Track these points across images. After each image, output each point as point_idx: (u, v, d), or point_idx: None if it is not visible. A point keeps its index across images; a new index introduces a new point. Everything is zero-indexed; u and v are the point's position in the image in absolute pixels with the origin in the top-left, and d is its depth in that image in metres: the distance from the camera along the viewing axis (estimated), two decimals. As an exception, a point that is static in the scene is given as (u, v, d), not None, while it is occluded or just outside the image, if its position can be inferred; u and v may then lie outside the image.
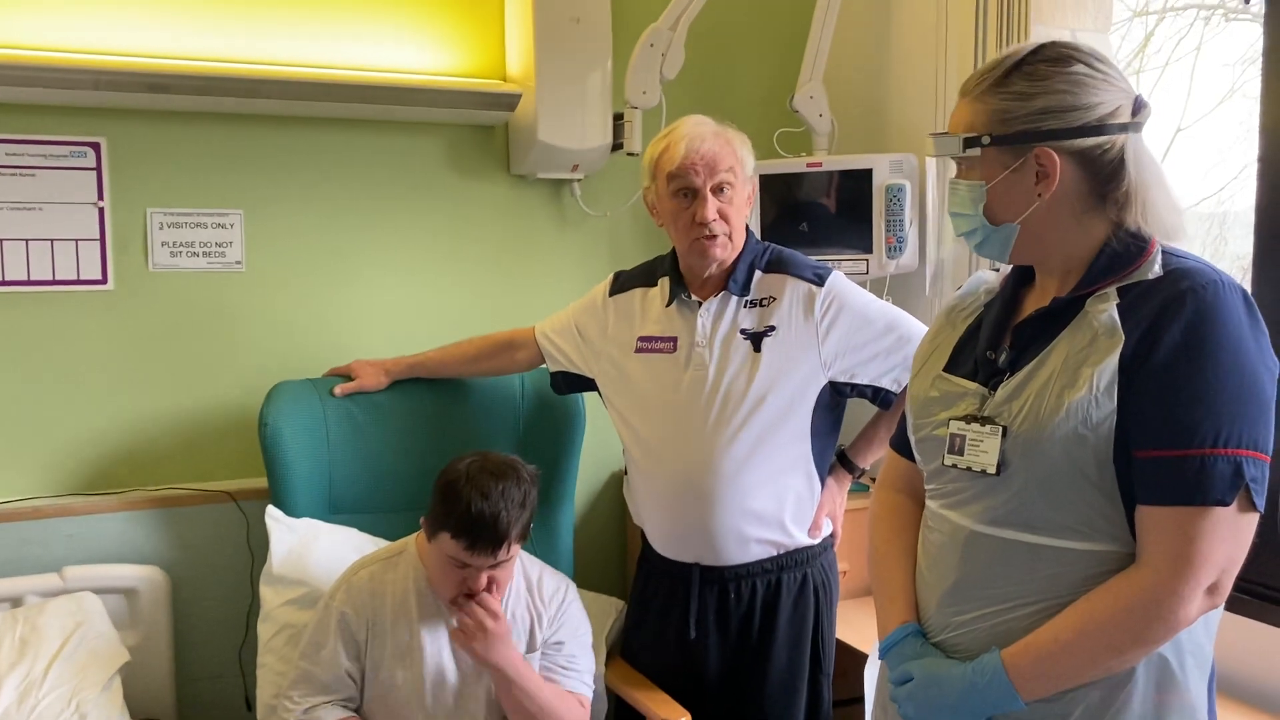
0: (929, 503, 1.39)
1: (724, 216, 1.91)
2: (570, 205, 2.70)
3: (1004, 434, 1.25)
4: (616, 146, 2.60)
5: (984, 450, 1.27)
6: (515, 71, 2.55)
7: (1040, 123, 1.24)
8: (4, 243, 2.20)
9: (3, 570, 2.16)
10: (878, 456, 2.01)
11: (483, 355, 2.27)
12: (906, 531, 1.45)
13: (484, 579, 1.80)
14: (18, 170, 2.21)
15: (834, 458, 2.05)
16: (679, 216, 1.93)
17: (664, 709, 1.98)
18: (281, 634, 2.07)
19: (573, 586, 2.05)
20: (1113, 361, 1.19)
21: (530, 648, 1.93)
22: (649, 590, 2.09)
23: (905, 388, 1.50)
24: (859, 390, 1.96)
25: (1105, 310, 1.22)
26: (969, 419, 1.30)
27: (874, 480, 1.72)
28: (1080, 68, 1.24)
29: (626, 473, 2.13)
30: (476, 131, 2.60)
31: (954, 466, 1.30)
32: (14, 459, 2.26)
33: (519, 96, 2.48)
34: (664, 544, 2.03)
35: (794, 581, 1.98)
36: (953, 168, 1.39)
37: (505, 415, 2.36)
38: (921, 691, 1.30)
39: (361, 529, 2.20)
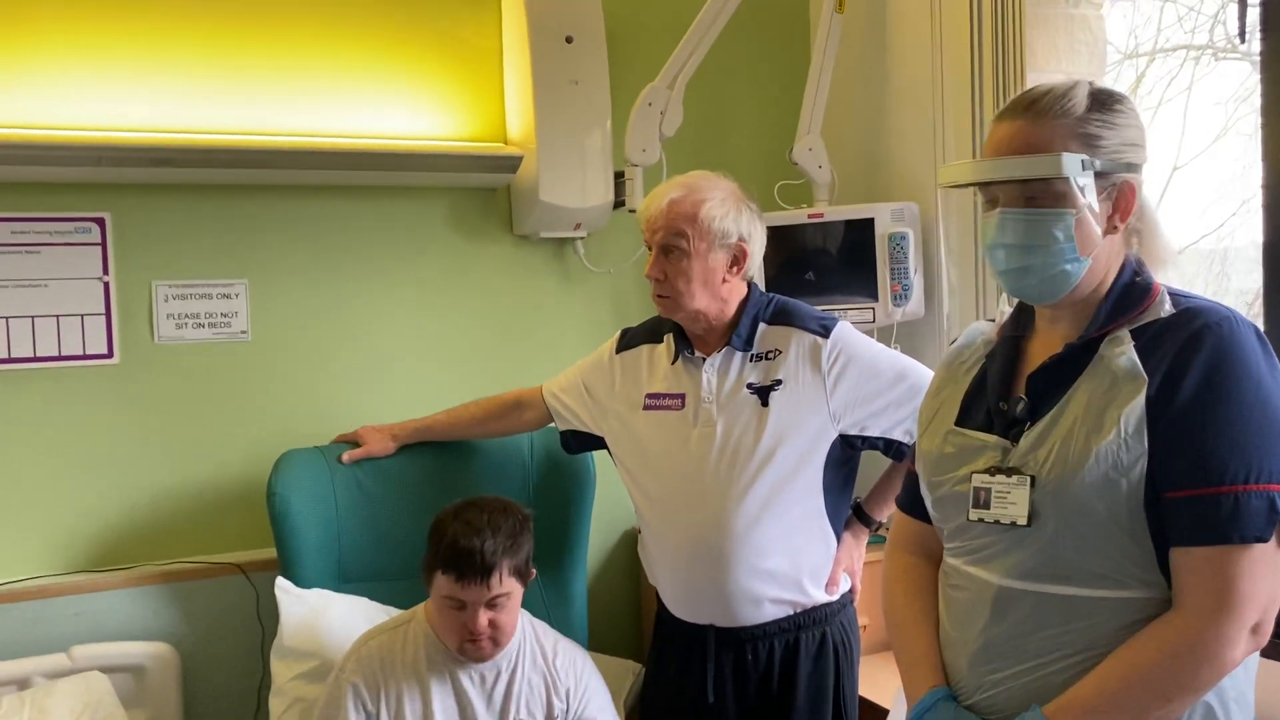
0: (951, 560, 1.36)
1: (667, 277, 1.90)
2: (574, 263, 2.70)
3: (1032, 484, 1.23)
4: (619, 204, 2.61)
5: (1012, 502, 1.24)
6: (516, 134, 2.57)
7: (1126, 154, 1.24)
8: (10, 320, 2.21)
9: (9, 651, 2.13)
10: (893, 509, 1.99)
11: (490, 416, 2.26)
12: (925, 593, 1.42)
13: (483, 618, 1.78)
14: (23, 248, 2.21)
15: (849, 512, 2.03)
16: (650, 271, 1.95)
17: (686, 774, 1.94)
18: (294, 708, 2.04)
19: (588, 657, 2.02)
20: (1139, 404, 1.18)
21: (548, 716, 1.89)
22: (665, 653, 2.05)
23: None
24: (870, 443, 1.94)
25: (1123, 353, 1.21)
26: (993, 471, 1.28)
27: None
28: (1131, 103, 1.26)
29: (640, 531, 2.11)
30: (479, 194, 2.61)
31: (980, 521, 1.28)
32: (20, 537, 2.24)
33: (520, 159, 2.50)
34: (678, 605, 1.99)
35: (813, 640, 1.94)
36: (951, 205, 1.36)
37: (515, 476, 2.34)
38: None
39: (373, 597, 2.18)
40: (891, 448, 1.94)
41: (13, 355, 2.21)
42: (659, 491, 1.98)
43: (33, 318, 2.23)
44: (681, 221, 1.89)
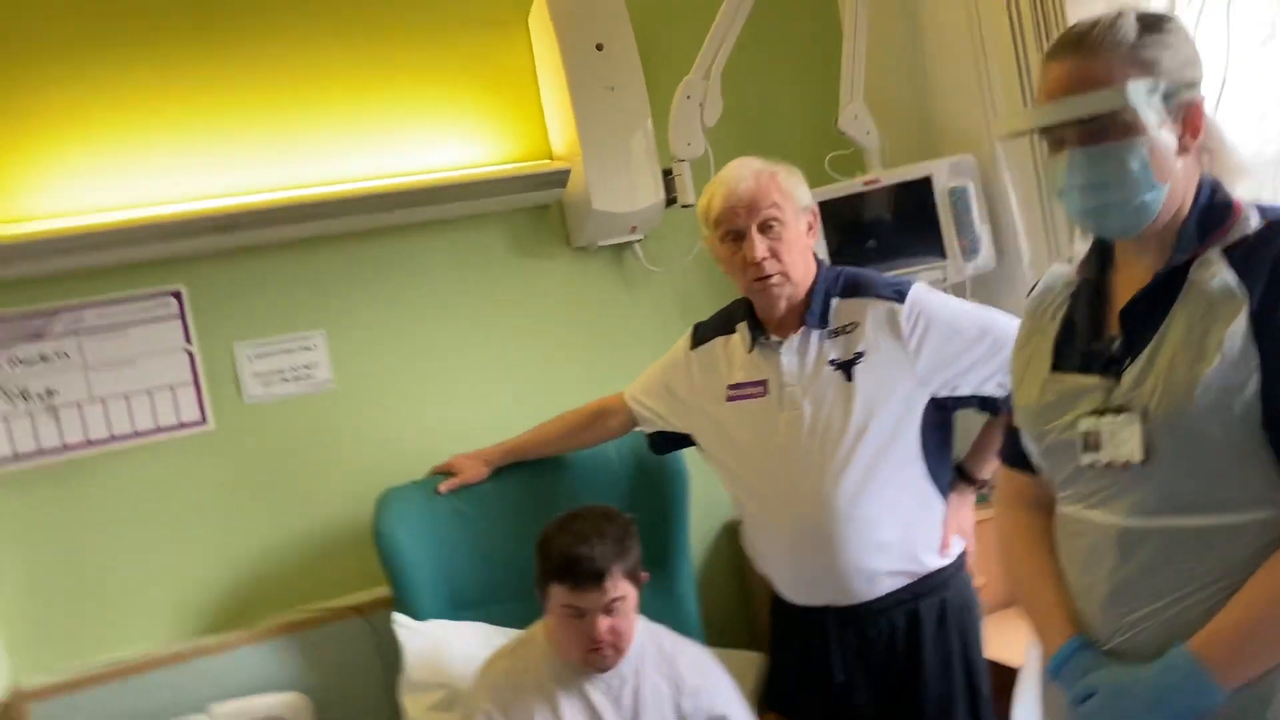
0: (1066, 509, 1.34)
1: (775, 254, 1.89)
2: (634, 267, 2.71)
3: (1143, 418, 1.20)
4: (670, 201, 2.61)
5: (1124, 440, 1.22)
6: (560, 148, 2.59)
7: (1185, 72, 1.22)
8: (107, 401, 2.28)
9: (152, 718, 2.19)
10: (996, 465, 1.96)
11: (576, 429, 2.27)
12: (1043, 545, 1.39)
13: (603, 624, 1.79)
14: (110, 329, 2.29)
15: (952, 474, 2.00)
16: (733, 261, 1.93)
17: (825, 757, 1.93)
18: (429, 740, 2.07)
19: (709, 654, 2.02)
20: (1240, 323, 1.15)
21: (680, 719, 1.90)
22: (786, 639, 2.05)
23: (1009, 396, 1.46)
24: (963, 402, 1.91)
25: (1216, 274, 1.18)
26: (1100, 412, 1.25)
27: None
28: (1179, 22, 1.23)
29: (742, 521, 2.10)
30: (533, 212, 2.64)
31: (1093, 465, 1.25)
32: (145, 609, 2.31)
33: (568, 172, 2.52)
34: (792, 591, 1.99)
35: (933, 608, 1.92)
36: (1009, 151, 1.33)
37: (608, 484, 2.35)
38: (1110, 704, 1.24)
39: (489, 621, 2.20)
40: (986, 403, 1.91)
41: (114, 434, 2.29)
42: (756, 481, 1.97)
43: (127, 395, 2.30)
44: (775, 194, 1.89)
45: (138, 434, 2.31)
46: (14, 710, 2.10)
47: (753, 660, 2.31)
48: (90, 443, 2.27)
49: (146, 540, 2.31)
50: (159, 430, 2.32)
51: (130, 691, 2.19)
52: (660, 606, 2.24)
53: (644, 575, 1.89)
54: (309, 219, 2.34)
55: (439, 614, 2.19)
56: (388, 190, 2.40)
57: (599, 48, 2.50)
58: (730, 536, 2.73)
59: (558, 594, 1.81)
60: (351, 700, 2.35)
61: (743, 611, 2.76)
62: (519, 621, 2.10)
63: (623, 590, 1.81)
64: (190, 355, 2.35)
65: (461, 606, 2.24)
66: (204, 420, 2.36)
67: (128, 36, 2.29)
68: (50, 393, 2.24)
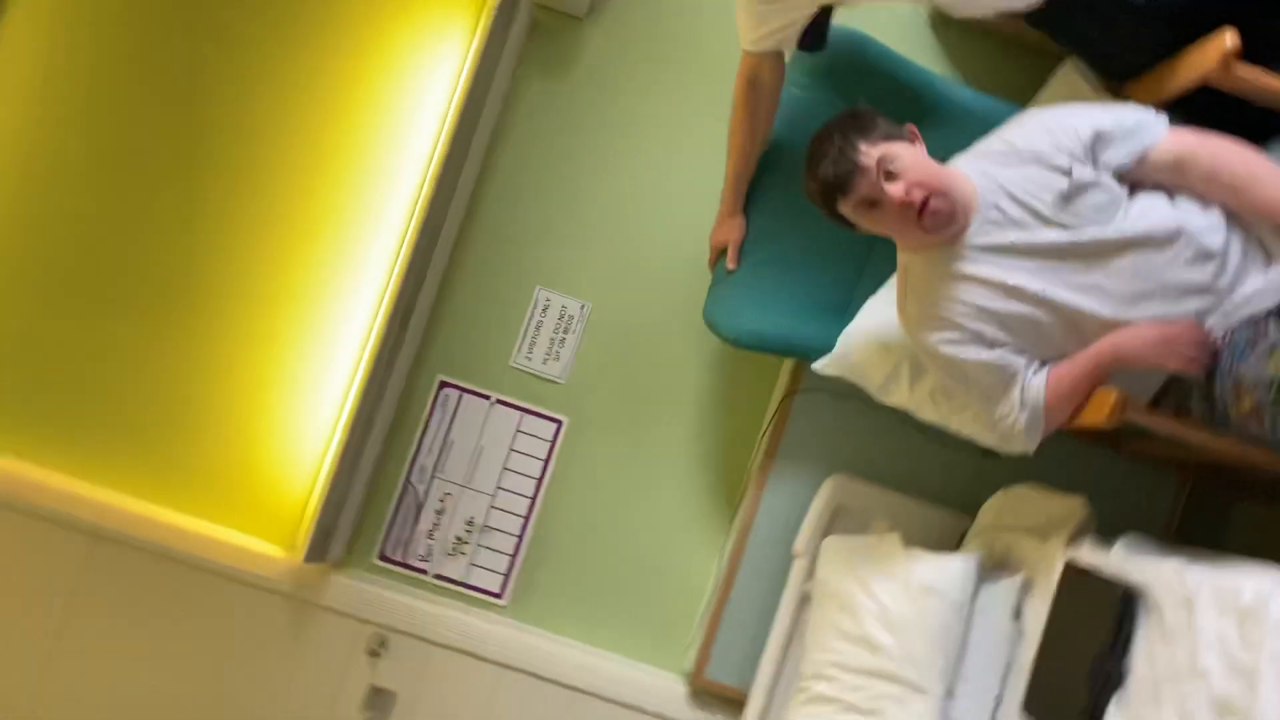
0: None
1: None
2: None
3: None
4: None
5: None
6: None
7: None
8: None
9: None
10: None
11: (753, 117, 2.16)
12: None
13: (895, 189, 1.71)
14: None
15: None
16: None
17: None
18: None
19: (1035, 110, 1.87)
20: None
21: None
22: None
23: None
24: None
25: None
26: None
27: None
28: None
29: None
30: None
31: None
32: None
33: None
34: None
35: None
36: None
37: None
38: None
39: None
40: None
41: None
42: None
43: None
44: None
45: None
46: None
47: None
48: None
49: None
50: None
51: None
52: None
53: (908, 128, 1.78)
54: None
55: (829, 338, 2.19)
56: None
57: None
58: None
59: (846, 209, 1.78)
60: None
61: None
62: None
63: (881, 151, 1.73)
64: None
65: (836, 314, 2.23)
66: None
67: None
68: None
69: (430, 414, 2.48)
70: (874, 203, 1.75)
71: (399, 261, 2.31)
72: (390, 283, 2.32)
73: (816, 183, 1.79)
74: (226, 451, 2.43)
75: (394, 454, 2.47)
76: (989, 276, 1.75)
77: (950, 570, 1.98)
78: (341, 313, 2.44)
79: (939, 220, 1.73)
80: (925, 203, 1.71)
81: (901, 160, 1.73)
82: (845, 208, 1.79)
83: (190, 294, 2.43)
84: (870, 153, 1.74)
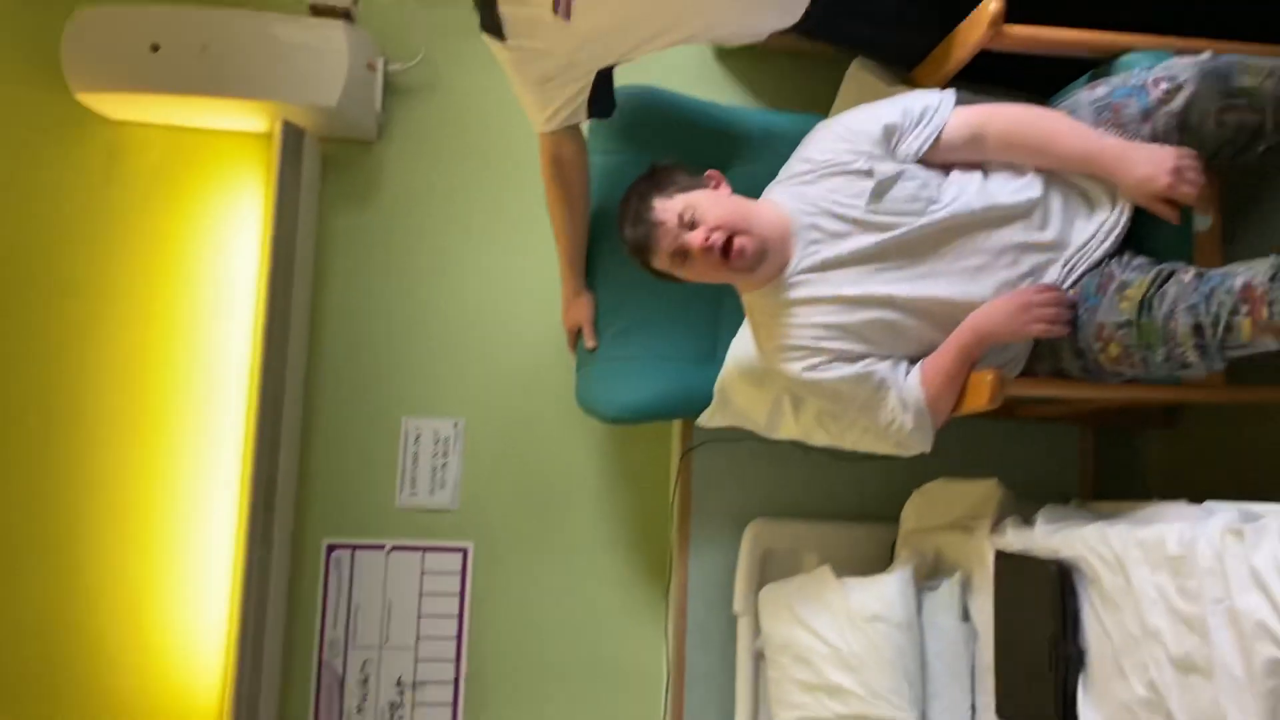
0: None
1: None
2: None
3: None
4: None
5: None
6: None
7: None
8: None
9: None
10: None
11: (569, 192, 2.11)
12: None
13: (695, 237, 1.70)
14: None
15: None
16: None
17: None
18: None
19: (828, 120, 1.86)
20: None
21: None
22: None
23: None
24: None
25: None
26: None
27: None
28: None
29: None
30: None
31: None
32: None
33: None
34: None
35: None
36: None
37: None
38: None
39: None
40: None
41: (455, 631, 2.36)
42: None
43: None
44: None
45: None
46: None
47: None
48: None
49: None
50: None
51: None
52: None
53: (709, 174, 1.76)
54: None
55: (706, 389, 2.12)
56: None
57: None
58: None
59: (661, 266, 1.79)
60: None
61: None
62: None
63: (681, 203, 1.72)
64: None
65: (705, 364, 2.17)
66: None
67: None
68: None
69: (326, 582, 2.33)
70: (683, 254, 1.74)
71: (248, 435, 2.18)
72: (245, 458, 2.18)
73: (626, 246, 1.82)
74: (120, 679, 2.23)
75: (299, 635, 2.31)
76: (827, 294, 1.73)
77: (888, 592, 1.92)
78: (202, 503, 2.29)
79: (747, 258, 1.71)
80: (729, 243, 1.69)
81: (700, 207, 1.72)
82: (659, 264, 1.79)
83: (38, 535, 2.25)
84: (668, 207, 1.73)
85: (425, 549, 2.36)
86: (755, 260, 1.71)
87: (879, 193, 1.69)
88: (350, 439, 2.38)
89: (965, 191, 1.69)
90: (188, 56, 2.21)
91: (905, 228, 1.69)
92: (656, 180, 1.79)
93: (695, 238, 1.71)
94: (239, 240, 2.37)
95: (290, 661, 2.30)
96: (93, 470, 2.27)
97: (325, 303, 2.41)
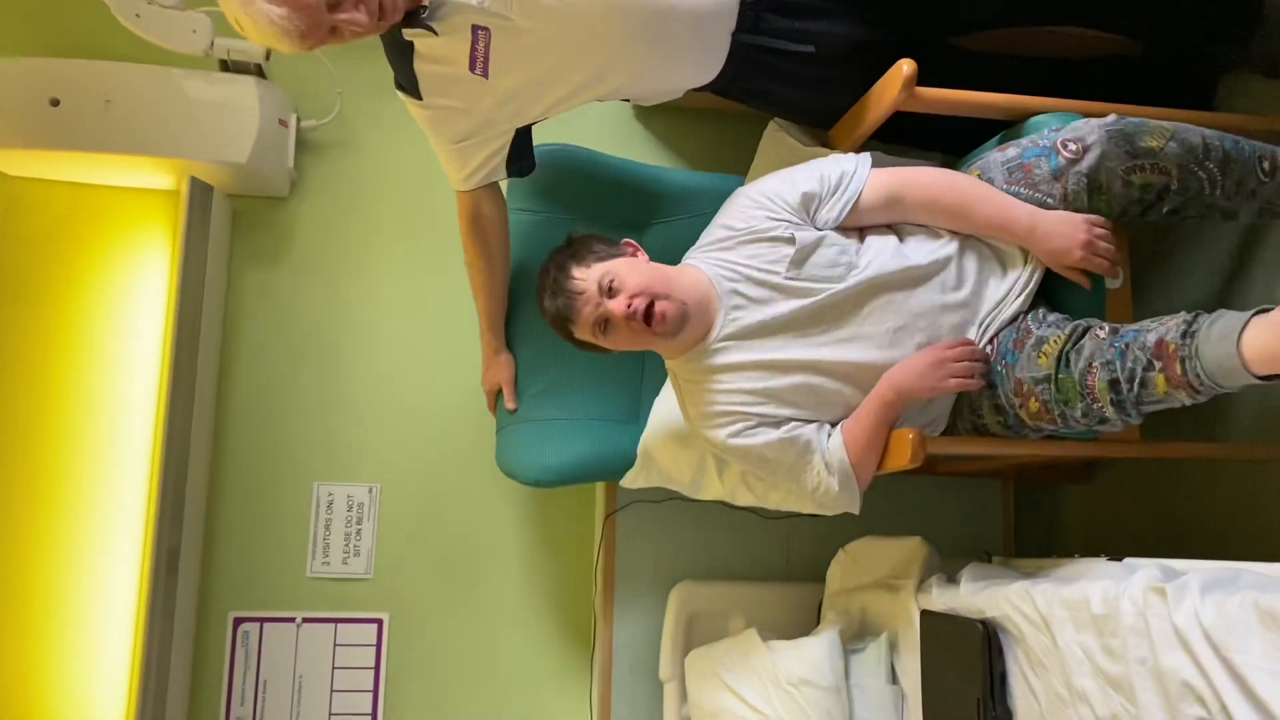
0: None
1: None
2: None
3: None
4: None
5: None
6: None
7: None
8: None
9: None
10: None
11: (489, 253, 2.07)
12: None
13: (618, 305, 1.68)
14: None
15: None
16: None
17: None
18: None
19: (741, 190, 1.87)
20: None
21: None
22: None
23: None
24: None
25: None
26: None
27: None
28: None
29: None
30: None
31: None
32: None
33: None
34: None
35: None
36: None
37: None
38: None
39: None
40: None
41: None
42: None
43: None
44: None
45: None
46: None
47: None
48: None
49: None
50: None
51: None
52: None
53: (624, 243, 1.75)
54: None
55: (629, 450, 2.09)
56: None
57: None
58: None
59: (584, 336, 1.75)
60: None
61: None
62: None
63: (600, 271, 1.70)
64: None
65: (628, 424, 2.14)
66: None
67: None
68: None
69: (232, 658, 2.22)
70: (605, 322, 1.71)
71: (150, 500, 2.07)
72: (147, 526, 2.07)
73: (547, 318, 1.79)
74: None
75: (203, 713, 2.19)
76: (750, 359, 1.72)
77: (815, 655, 1.89)
78: (100, 574, 2.16)
79: (670, 322, 1.69)
80: (650, 308, 1.68)
81: (619, 274, 1.70)
82: (582, 334, 1.76)
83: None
84: (587, 276, 1.71)
85: (338, 620, 2.27)
86: (677, 325, 1.69)
87: (799, 260, 1.69)
88: (259, 505, 2.29)
89: (881, 255, 1.70)
90: (89, 111, 2.14)
91: (826, 293, 1.68)
92: (574, 250, 1.76)
93: (617, 305, 1.68)
94: (144, 300, 2.28)
95: (192, 744, 2.17)
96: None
97: (234, 363, 2.32)
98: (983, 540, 2.41)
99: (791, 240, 1.69)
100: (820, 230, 1.72)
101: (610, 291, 1.69)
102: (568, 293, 1.71)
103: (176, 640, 2.09)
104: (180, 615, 2.12)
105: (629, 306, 1.67)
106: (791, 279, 1.69)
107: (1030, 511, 2.46)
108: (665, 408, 2.02)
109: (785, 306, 1.70)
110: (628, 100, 2.02)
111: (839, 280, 1.68)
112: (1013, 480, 2.42)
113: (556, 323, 1.77)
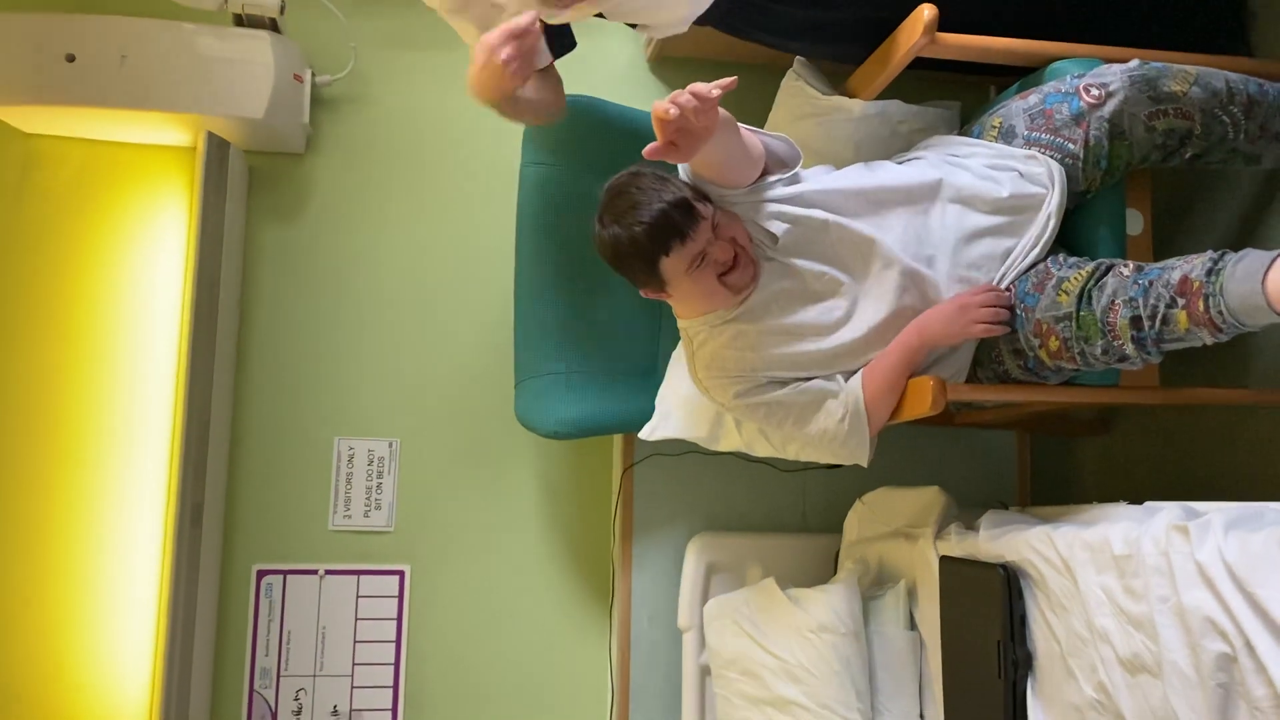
0: None
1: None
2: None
3: None
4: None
5: None
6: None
7: None
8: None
9: None
10: None
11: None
12: None
13: (725, 246, 1.64)
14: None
15: None
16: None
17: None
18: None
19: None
20: None
21: None
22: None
23: None
24: None
25: None
26: None
27: None
28: None
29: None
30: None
31: None
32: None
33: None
34: None
35: None
36: None
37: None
38: None
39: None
40: None
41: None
42: None
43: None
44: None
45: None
46: None
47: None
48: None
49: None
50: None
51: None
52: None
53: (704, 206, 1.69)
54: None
55: (647, 403, 2.10)
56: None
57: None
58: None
59: (667, 264, 1.63)
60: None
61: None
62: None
63: (713, 212, 1.65)
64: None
65: (645, 377, 2.14)
66: (402, 571, 2.33)
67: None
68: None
69: (256, 610, 2.25)
70: (702, 258, 1.64)
71: (173, 457, 2.09)
72: (170, 481, 2.09)
73: (647, 227, 1.60)
74: (37, 714, 2.12)
75: (228, 665, 2.22)
76: (767, 325, 1.72)
77: (834, 602, 1.90)
78: (126, 529, 2.19)
79: (744, 278, 1.68)
80: (736, 260, 1.66)
81: (722, 224, 1.67)
82: (674, 260, 1.63)
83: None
84: (706, 212, 1.64)
85: (361, 572, 2.29)
86: (750, 282, 1.70)
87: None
88: (280, 460, 2.31)
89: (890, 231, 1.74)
90: (105, 67, 2.13)
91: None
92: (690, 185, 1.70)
93: (724, 249, 1.65)
94: (162, 256, 2.28)
95: (219, 693, 2.20)
96: (7, 494, 2.16)
97: (253, 319, 2.33)
98: (997, 492, 2.42)
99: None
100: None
101: (718, 233, 1.65)
102: (694, 215, 1.62)
103: (201, 593, 2.12)
104: (205, 568, 2.14)
105: (734, 254, 1.66)
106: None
107: (1046, 463, 2.46)
108: (683, 361, 2.03)
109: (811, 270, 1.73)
110: (634, 26, 1.94)
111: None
112: (1029, 432, 2.43)
113: (660, 234, 1.60)
